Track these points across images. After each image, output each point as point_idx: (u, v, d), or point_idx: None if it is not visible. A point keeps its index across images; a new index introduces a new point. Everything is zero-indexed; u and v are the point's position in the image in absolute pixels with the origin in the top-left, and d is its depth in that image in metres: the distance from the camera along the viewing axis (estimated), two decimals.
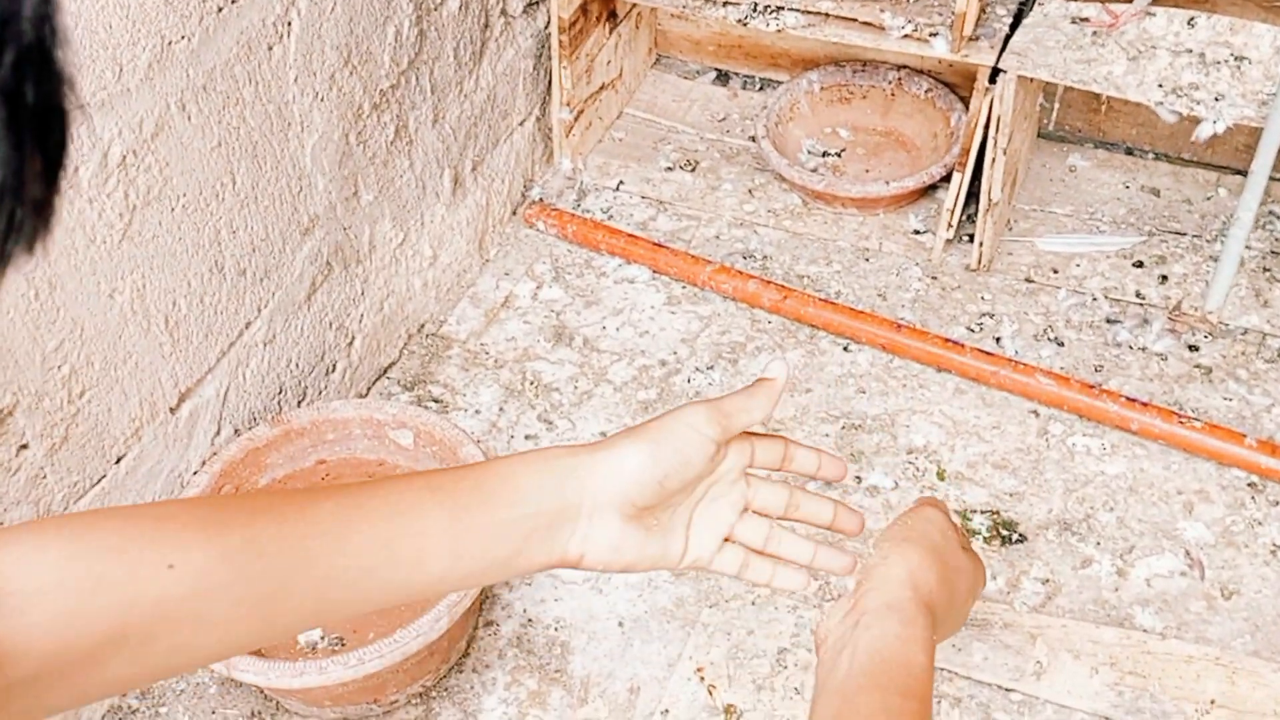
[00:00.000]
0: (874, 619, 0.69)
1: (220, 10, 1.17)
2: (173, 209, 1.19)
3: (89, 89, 1.05)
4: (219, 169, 1.23)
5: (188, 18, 1.13)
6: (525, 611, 1.36)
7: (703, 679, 1.29)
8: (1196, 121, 1.44)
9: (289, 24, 1.27)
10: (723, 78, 2.04)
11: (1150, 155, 1.84)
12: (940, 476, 1.47)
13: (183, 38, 1.13)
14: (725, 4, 1.65)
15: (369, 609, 0.63)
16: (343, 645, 1.34)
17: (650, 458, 0.66)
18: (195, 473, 1.32)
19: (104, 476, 1.20)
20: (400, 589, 0.62)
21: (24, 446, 1.11)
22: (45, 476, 1.14)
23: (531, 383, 1.61)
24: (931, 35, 1.56)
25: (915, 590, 0.70)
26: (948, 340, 1.57)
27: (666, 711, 1.27)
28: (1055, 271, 1.69)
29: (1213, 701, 1.23)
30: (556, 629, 1.35)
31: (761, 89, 2.01)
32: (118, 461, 1.22)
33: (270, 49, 1.25)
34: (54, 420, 1.13)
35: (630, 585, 1.38)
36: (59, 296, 1.09)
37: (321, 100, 1.35)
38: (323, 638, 1.34)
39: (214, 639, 0.57)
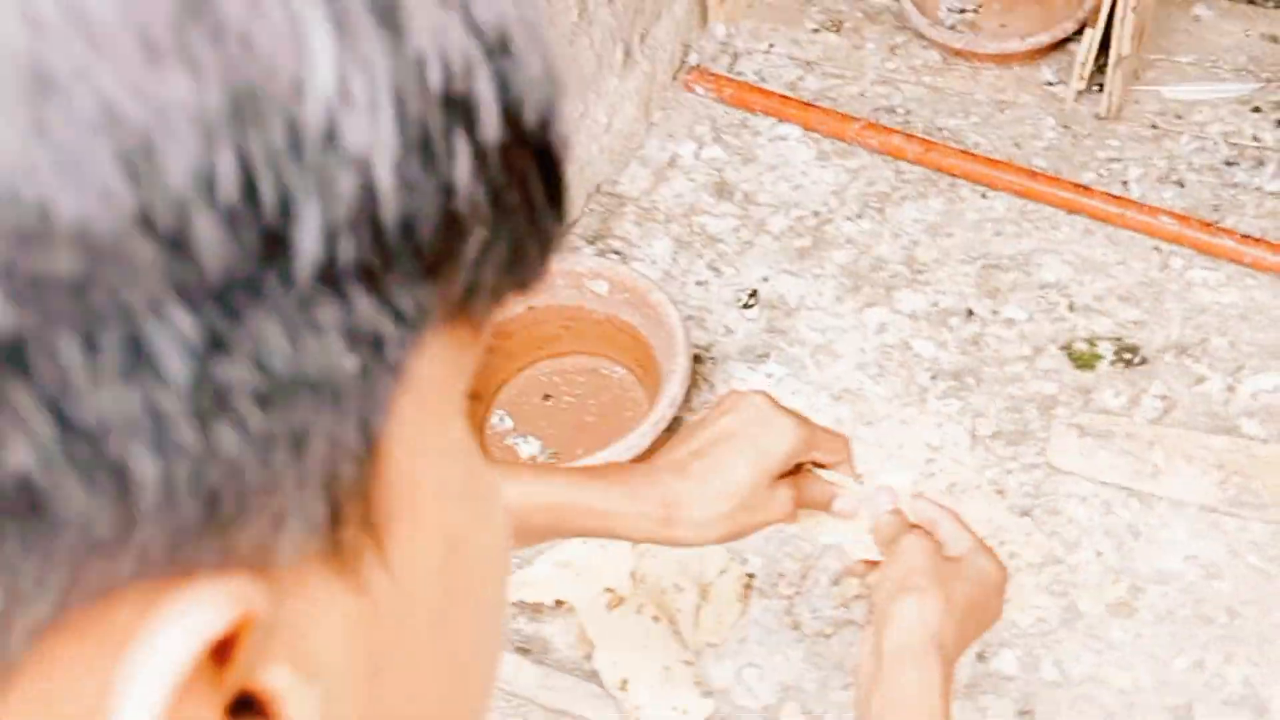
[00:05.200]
0: (893, 666, 0.76)
1: None
2: None
3: None
4: None
5: None
6: None
7: None
8: None
9: None
10: None
11: (1271, 3, 1.94)
12: (1070, 308, 1.66)
13: None
14: None
15: None
16: (557, 456, 1.61)
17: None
18: None
19: None
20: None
21: None
22: None
23: (699, 234, 1.83)
24: None
25: (927, 633, 0.76)
26: (1078, 185, 1.73)
27: None
28: (1179, 118, 1.83)
29: None
30: None
31: None
32: None
33: None
34: None
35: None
36: None
37: None
38: (540, 451, 1.61)
39: None
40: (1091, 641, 1.38)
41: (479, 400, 1.65)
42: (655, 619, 1.38)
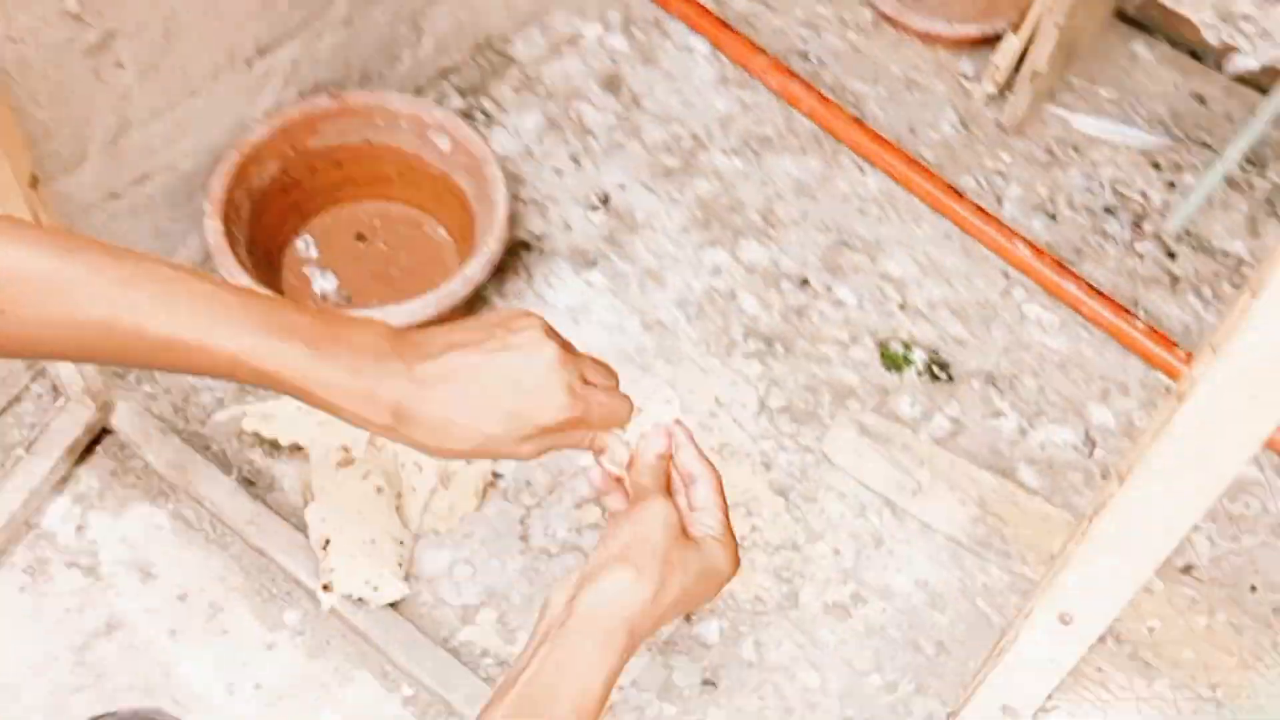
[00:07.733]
0: (577, 627, 0.72)
1: None
2: None
3: None
4: None
5: None
6: None
7: None
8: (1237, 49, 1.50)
9: None
10: None
11: (1212, 63, 1.89)
12: (901, 307, 1.62)
13: None
14: None
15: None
16: (350, 300, 1.55)
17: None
18: (258, 123, 1.49)
19: (180, 106, 1.38)
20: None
21: (119, 65, 1.28)
22: (132, 96, 1.31)
23: (573, 120, 1.75)
24: None
25: (625, 614, 0.72)
26: (951, 187, 1.69)
27: None
28: (1076, 150, 1.79)
29: (1053, 556, 1.43)
30: None
31: None
32: (194, 95, 1.39)
33: None
34: (148, 49, 1.29)
35: None
36: None
37: None
38: (336, 290, 1.54)
39: None
40: (798, 634, 1.37)
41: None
42: (380, 490, 1.35)
